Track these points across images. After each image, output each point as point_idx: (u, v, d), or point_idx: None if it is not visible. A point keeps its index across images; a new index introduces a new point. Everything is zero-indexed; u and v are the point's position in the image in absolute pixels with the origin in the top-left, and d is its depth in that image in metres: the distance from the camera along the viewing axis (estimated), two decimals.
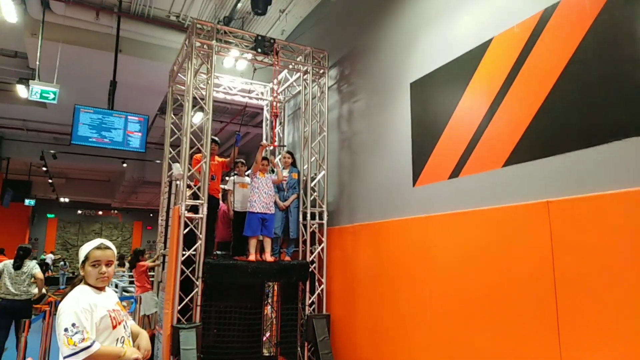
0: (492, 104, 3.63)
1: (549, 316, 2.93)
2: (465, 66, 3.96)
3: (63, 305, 2.26)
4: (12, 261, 6.51)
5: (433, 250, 4.08)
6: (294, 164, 6.03)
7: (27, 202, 18.97)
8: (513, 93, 3.46)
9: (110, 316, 2.37)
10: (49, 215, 26.76)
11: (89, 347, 2.17)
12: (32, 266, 6.54)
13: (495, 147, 3.56)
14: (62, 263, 20.31)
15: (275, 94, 6.21)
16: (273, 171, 5.90)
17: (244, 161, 5.99)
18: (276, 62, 5.81)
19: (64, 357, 2.15)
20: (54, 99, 6.78)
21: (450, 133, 4.06)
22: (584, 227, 2.80)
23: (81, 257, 2.46)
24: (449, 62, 4.15)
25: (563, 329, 2.84)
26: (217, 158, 5.90)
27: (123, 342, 2.42)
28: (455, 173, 3.95)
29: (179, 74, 6.40)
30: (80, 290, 2.37)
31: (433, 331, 3.98)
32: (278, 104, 7.69)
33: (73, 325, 2.18)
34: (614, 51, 2.80)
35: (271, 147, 6.96)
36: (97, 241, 2.50)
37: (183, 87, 6.29)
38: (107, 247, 2.49)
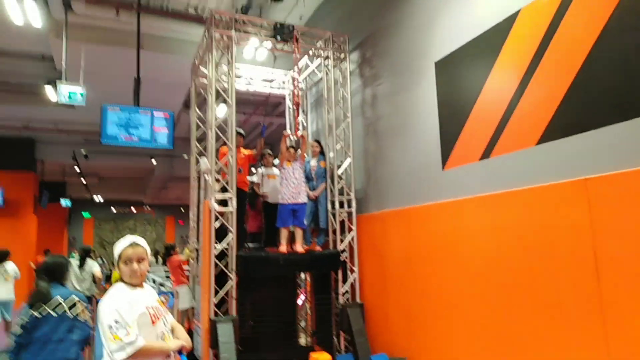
0: (522, 80, 3.47)
1: (592, 299, 2.82)
2: (492, 41, 3.80)
3: (103, 304, 2.32)
4: (77, 261, 7.29)
5: (466, 235, 3.98)
6: (322, 152, 5.97)
7: (63, 202, 19.58)
8: (544, 67, 3.30)
9: (148, 313, 2.41)
10: (84, 215, 27.62)
11: (133, 341, 2.22)
12: (91, 265, 7.33)
13: (528, 125, 3.42)
14: (99, 260, 20.97)
15: (296, 82, 6.13)
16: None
17: (270, 152, 5.97)
18: (296, 49, 5.73)
19: (112, 352, 2.20)
20: (82, 100, 6.90)
21: (479, 112, 3.93)
22: (625, 204, 2.66)
23: (115, 256, 2.50)
24: (475, 38, 4.00)
25: (608, 311, 2.73)
26: (242, 150, 5.90)
27: (162, 338, 2.46)
28: (486, 154, 3.83)
29: (200, 67, 6.42)
30: (118, 288, 2.42)
31: (469, 317, 3.90)
32: (300, 92, 7.63)
33: (116, 321, 2.23)
34: None
35: (296, 137, 6.92)
36: (128, 239, 2.53)
37: (205, 81, 6.31)
38: (138, 245, 2.51)
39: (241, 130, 5.98)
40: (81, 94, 6.88)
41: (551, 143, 3.21)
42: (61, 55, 7.59)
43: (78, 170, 16.70)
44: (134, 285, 2.47)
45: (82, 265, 7.18)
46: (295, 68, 6.01)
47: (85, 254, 7.43)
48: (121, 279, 2.48)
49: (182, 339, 2.58)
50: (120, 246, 2.49)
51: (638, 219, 2.59)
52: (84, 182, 19.37)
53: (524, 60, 3.46)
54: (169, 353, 2.41)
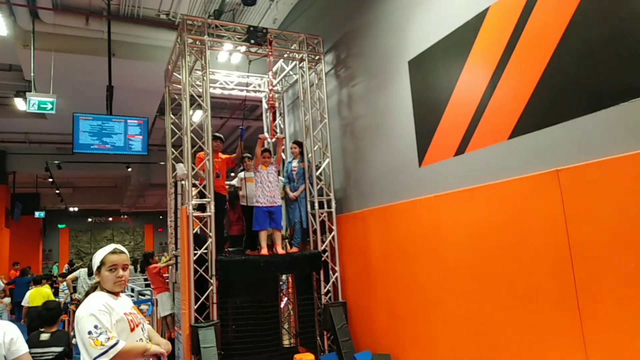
0: (494, 75, 3.55)
1: (567, 286, 2.89)
2: (462, 39, 3.87)
3: (80, 312, 2.28)
4: (86, 270, 7.77)
5: (444, 229, 4.03)
6: (302, 153, 5.98)
7: (37, 214, 19.11)
8: (514, 62, 3.38)
9: (127, 319, 2.38)
10: (59, 226, 26.98)
11: (115, 344, 2.19)
12: None
13: (500, 120, 3.49)
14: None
15: (271, 86, 6.13)
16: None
17: (250, 156, 5.94)
18: (270, 52, 5.73)
19: (94, 358, 2.16)
20: (52, 109, 6.76)
21: (452, 109, 3.99)
22: (597, 193, 2.74)
23: (96, 263, 2.46)
24: (446, 36, 4.07)
25: (582, 297, 2.80)
26: (221, 155, 5.86)
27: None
28: (460, 150, 3.89)
29: (174, 73, 6.35)
30: (95, 295, 2.38)
31: (450, 310, 3.95)
32: (276, 95, 7.62)
33: (95, 327, 2.20)
34: (615, 9, 2.71)
35: (272, 140, 6.90)
36: (111, 246, 2.52)
37: (179, 86, 6.25)
38: (122, 252, 2.51)
39: (219, 135, 5.94)
40: (51, 103, 6.73)
41: (523, 137, 3.28)
42: (30, 65, 7.42)
43: (51, 181, 16.31)
44: (114, 294, 2.44)
45: (91, 273, 7.14)
46: (270, 72, 6.01)
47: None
48: (99, 287, 2.43)
49: (163, 343, 2.56)
50: (103, 252, 2.47)
51: (609, 207, 2.67)
52: (58, 193, 18.91)
53: (495, 56, 3.54)
54: (149, 356, 2.38)
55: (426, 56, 4.33)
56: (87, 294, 2.44)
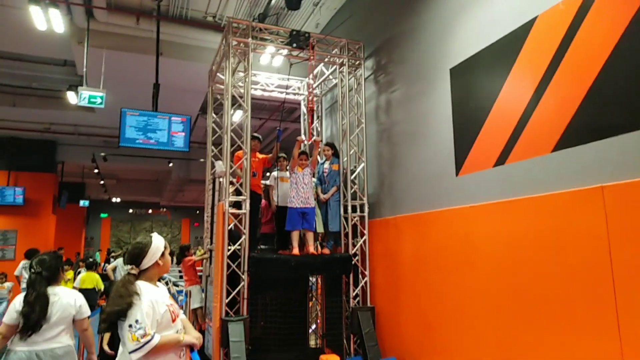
0: (539, 86, 3.47)
1: (608, 309, 2.78)
2: (508, 48, 3.80)
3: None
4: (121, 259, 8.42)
5: (479, 241, 3.96)
6: (335, 155, 6.02)
7: (81, 202, 19.97)
8: (561, 74, 3.29)
9: (169, 310, 2.48)
10: (102, 215, 28.08)
11: (149, 340, 2.29)
12: None
13: (543, 132, 3.40)
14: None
15: (310, 89, 6.19)
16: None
17: (285, 156, 6.04)
18: (312, 57, 5.80)
19: (130, 352, 2.28)
20: (101, 103, 7.08)
21: (494, 119, 3.92)
22: None
23: (160, 247, 2.56)
24: (491, 44, 4.00)
25: (623, 322, 2.69)
26: (258, 155, 5.98)
27: (180, 334, 2.53)
28: (500, 160, 3.82)
29: (217, 74, 6.53)
30: (143, 287, 2.45)
31: (481, 324, 3.88)
32: (314, 98, 7.69)
33: (136, 321, 2.30)
34: None
35: (309, 142, 6.97)
36: (157, 235, 2.64)
37: (222, 87, 6.42)
38: None
39: (257, 135, 6.06)
40: (101, 98, 7.06)
41: (567, 150, 3.19)
42: (82, 60, 7.80)
43: (97, 172, 17.03)
44: (153, 283, 2.54)
45: (126, 262, 8.04)
46: (311, 75, 6.07)
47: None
48: (143, 277, 2.51)
49: (195, 334, 2.64)
50: (161, 238, 2.62)
51: None
52: (103, 184, 19.72)
53: (541, 67, 3.45)
54: (182, 347, 2.47)
55: (469, 64, 4.28)
56: (126, 282, 2.45)
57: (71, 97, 9.04)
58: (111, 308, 2.39)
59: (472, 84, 4.23)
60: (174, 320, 2.49)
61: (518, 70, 3.70)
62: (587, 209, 2.96)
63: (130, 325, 2.29)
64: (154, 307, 2.38)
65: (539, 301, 3.29)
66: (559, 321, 3.13)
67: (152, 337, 2.30)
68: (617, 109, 2.88)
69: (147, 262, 2.52)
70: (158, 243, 2.57)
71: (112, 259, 11.48)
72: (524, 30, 3.64)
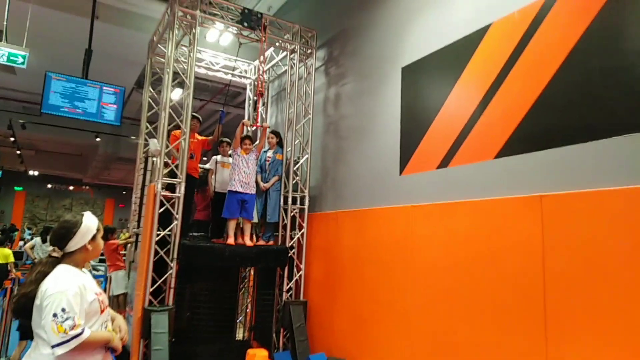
0: (487, 93, 3.52)
1: (536, 311, 2.87)
2: (460, 52, 3.83)
3: (51, 287, 2.05)
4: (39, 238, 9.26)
5: (418, 241, 3.99)
6: (280, 144, 5.83)
7: None
8: (510, 82, 3.36)
9: (98, 300, 2.20)
10: (16, 188, 25.81)
11: (80, 334, 2.00)
12: None
13: (488, 138, 3.46)
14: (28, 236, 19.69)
15: (260, 72, 5.95)
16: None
17: (229, 141, 5.76)
18: (264, 38, 5.56)
19: (53, 346, 1.97)
20: (22, 63, 6.35)
21: (441, 121, 3.95)
22: (577, 224, 2.73)
23: (91, 229, 2.26)
24: (444, 47, 4.02)
25: (550, 325, 2.79)
26: (197, 136, 5.66)
27: (105, 327, 2.27)
28: (444, 163, 3.85)
29: (158, 45, 6.09)
30: (66, 270, 2.16)
31: (413, 321, 3.91)
32: (263, 84, 7.44)
33: (63, 310, 1.99)
34: (618, 43, 2.71)
35: (253, 128, 6.73)
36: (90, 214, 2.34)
37: (163, 60, 6.00)
38: None
39: (197, 115, 5.73)
40: (23, 57, 6.34)
41: (510, 158, 3.26)
42: (3, 13, 6.97)
43: (13, 140, 15.53)
44: (79, 269, 2.25)
45: (45, 241, 9.34)
46: (261, 57, 5.83)
47: (47, 232, 9.72)
48: (66, 261, 2.21)
49: (124, 328, 2.39)
50: (95, 220, 2.32)
51: (588, 238, 2.66)
52: (19, 154, 18.04)
53: (491, 73, 3.51)
54: (108, 345, 2.20)
55: (421, 65, 4.28)
56: (46, 265, 2.17)
57: None
58: (23, 290, 2.09)
59: (422, 84, 4.24)
60: (102, 311, 2.22)
61: (468, 74, 3.74)
62: (525, 217, 3.04)
63: (55, 315, 1.97)
64: (82, 294, 2.09)
65: (473, 301, 3.35)
66: (490, 321, 3.20)
67: (82, 332, 2.01)
68: (562, 120, 2.97)
69: (73, 245, 2.20)
70: (89, 224, 2.26)
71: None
72: (477, 36, 3.68)
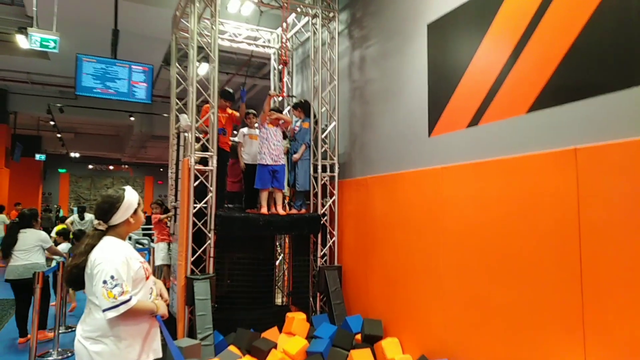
0: (517, 45, 3.38)
1: (573, 268, 2.83)
2: (488, 3, 3.67)
3: (100, 256, 2.20)
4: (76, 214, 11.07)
5: (449, 202, 3.96)
6: (306, 113, 5.83)
7: (37, 157, 19.03)
8: (541, 31, 3.20)
9: (143, 267, 2.34)
10: (60, 170, 27.01)
11: (128, 300, 2.14)
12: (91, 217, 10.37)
13: (519, 92, 3.34)
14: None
15: (284, 40, 5.86)
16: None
17: (255, 112, 5.80)
18: (285, 4, 5.46)
19: (104, 310, 2.12)
20: (54, 47, 6.53)
21: (469, 78, 3.83)
22: (615, 176, 2.64)
23: (133, 204, 2.37)
24: None
25: (586, 281, 2.75)
26: (228, 110, 5.73)
27: (152, 293, 2.41)
28: (474, 121, 3.76)
29: (182, 20, 6.12)
30: (113, 241, 2.29)
31: (446, 282, 3.93)
32: (286, 52, 7.38)
33: (112, 277, 2.13)
34: None
35: (279, 98, 6.74)
36: (131, 189, 2.45)
37: (187, 35, 6.03)
38: None
39: (231, 91, 5.78)
40: (54, 41, 6.51)
41: (542, 111, 3.15)
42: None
43: (53, 124, 16.15)
44: (123, 239, 2.38)
45: (82, 219, 11.20)
46: (284, 25, 5.77)
47: (82, 210, 11.59)
48: (111, 233, 2.34)
49: (165, 295, 2.53)
50: (135, 194, 2.42)
51: (625, 191, 2.58)
52: (60, 137, 18.78)
53: (521, 24, 3.35)
54: (155, 313, 2.34)
55: (447, 20, 4.13)
56: (93, 237, 2.30)
57: (21, 40, 8.31)
58: (74, 261, 2.25)
59: (449, 40, 4.10)
60: (147, 278, 2.36)
61: (497, 27, 3.59)
62: (559, 171, 2.96)
63: (104, 282, 2.12)
64: (128, 262, 2.23)
65: (506, 261, 3.34)
66: (524, 279, 3.18)
67: (130, 298, 2.15)
68: (596, 69, 2.83)
69: (117, 219, 2.32)
70: (131, 198, 2.37)
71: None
72: None
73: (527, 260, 3.16)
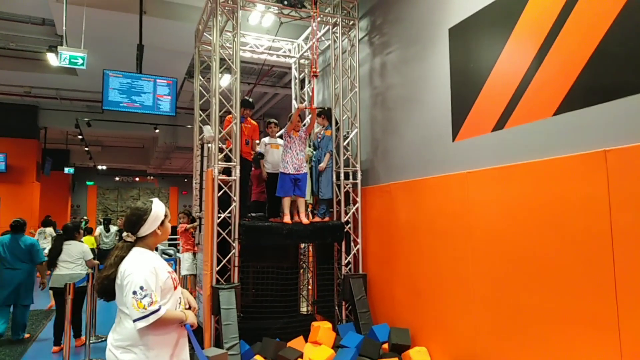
0: (542, 47, 3.31)
1: (606, 276, 2.74)
2: (510, 7, 3.62)
3: (129, 268, 2.24)
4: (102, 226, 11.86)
5: (475, 208, 3.89)
6: (329, 121, 5.84)
7: (66, 170, 19.60)
8: (565, 33, 3.14)
9: (171, 277, 2.38)
10: (88, 183, 27.70)
11: (157, 310, 2.18)
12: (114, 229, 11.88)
13: (545, 94, 3.28)
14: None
15: (314, 50, 5.77)
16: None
17: (276, 122, 5.84)
18: (314, 14, 5.41)
19: (134, 320, 2.16)
20: (82, 64, 6.74)
21: (493, 81, 3.78)
22: None
23: (160, 215, 2.41)
24: (492, 2, 3.81)
25: (621, 289, 2.66)
26: (251, 121, 5.80)
27: (180, 303, 2.44)
28: (499, 125, 3.70)
29: (204, 33, 6.24)
30: (141, 252, 2.34)
31: (474, 289, 3.85)
32: (307, 62, 7.44)
33: (141, 288, 2.17)
34: None
35: (307, 111, 6.77)
36: (159, 201, 2.49)
37: (209, 47, 6.14)
38: None
39: (251, 100, 5.85)
40: (82, 58, 6.72)
41: (570, 114, 3.08)
42: (62, 19, 7.39)
43: (81, 138, 16.61)
44: (152, 250, 2.42)
45: (108, 230, 11.89)
46: (315, 31, 5.72)
47: (107, 222, 12.15)
48: (140, 244, 2.38)
49: (193, 304, 2.56)
50: (163, 206, 2.47)
51: None
52: (87, 150, 19.30)
53: (545, 26, 3.30)
54: (184, 322, 2.37)
55: (469, 24, 4.09)
56: (123, 249, 2.35)
57: (51, 58, 8.58)
58: (105, 273, 2.30)
59: (471, 44, 4.06)
60: (175, 288, 2.40)
61: (520, 30, 3.53)
62: (589, 174, 2.88)
63: (134, 292, 2.16)
64: (157, 273, 2.27)
65: (535, 267, 3.25)
66: (554, 287, 3.09)
67: (159, 308, 2.19)
68: (623, 70, 2.76)
69: (145, 230, 2.37)
70: (158, 210, 2.41)
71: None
72: None
73: (558, 267, 3.07)
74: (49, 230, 11.62)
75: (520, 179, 3.44)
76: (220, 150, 5.08)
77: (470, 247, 3.93)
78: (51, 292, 5.83)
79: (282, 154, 5.40)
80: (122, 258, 2.32)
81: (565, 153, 3.08)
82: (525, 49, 3.46)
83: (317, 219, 5.63)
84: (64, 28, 7.32)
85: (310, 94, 7.37)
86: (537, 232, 3.25)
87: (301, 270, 6.22)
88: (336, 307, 5.63)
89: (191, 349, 2.40)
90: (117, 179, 29.02)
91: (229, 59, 5.28)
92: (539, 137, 3.32)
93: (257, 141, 5.90)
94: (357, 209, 5.70)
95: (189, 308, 2.51)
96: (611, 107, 2.82)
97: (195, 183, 6.62)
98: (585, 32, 2.99)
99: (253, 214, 5.83)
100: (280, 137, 5.81)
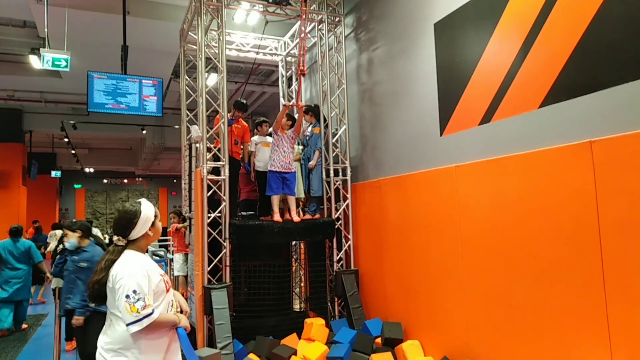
0: (526, 40, 3.34)
1: (594, 266, 2.78)
2: (494, 1, 3.64)
3: (121, 271, 2.21)
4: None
5: (464, 201, 3.92)
6: (317, 118, 5.83)
7: (53, 173, 19.33)
8: (549, 27, 3.17)
9: (163, 280, 2.36)
10: (75, 186, 27.37)
11: (150, 314, 2.16)
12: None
13: (531, 87, 3.31)
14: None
15: (303, 49, 5.72)
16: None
17: (268, 120, 5.82)
18: (303, 13, 5.40)
19: (127, 324, 2.14)
20: (66, 66, 6.63)
21: (479, 76, 3.80)
22: (632, 167, 2.59)
23: (150, 217, 2.37)
24: None
25: (609, 278, 2.70)
26: (242, 122, 5.77)
27: (172, 305, 2.42)
28: (486, 118, 3.73)
29: (189, 33, 6.19)
30: (132, 255, 2.31)
31: (465, 283, 3.89)
32: (293, 59, 7.41)
33: (134, 292, 2.15)
34: None
35: (297, 107, 6.74)
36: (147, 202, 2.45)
37: (195, 47, 6.09)
38: None
39: (244, 101, 5.82)
40: (66, 60, 6.61)
41: (555, 105, 3.11)
42: (43, 20, 7.27)
43: (67, 141, 16.40)
44: (143, 252, 2.40)
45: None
46: (298, 32, 5.74)
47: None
48: (131, 247, 2.35)
49: (185, 307, 2.53)
50: (152, 206, 2.43)
51: None
52: (74, 153, 19.06)
53: (528, 19, 3.32)
54: (177, 326, 2.35)
55: (454, 19, 4.11)
56: (114, 252, 2.31)
57: (34, 60, 8.45)
58: (96, 277, 2.27)
59: (457, 39, 4.08)
60: (167, 290, 2.37)
61: (505, 23, 3.56)
62: (575, 165, 2.92)
63: (127, 296, 2.13)
64: (149, 276, 2.24)
65: (525, 259, 3.29)
66: (544, 278, 3.13)
67: (153, 312, 2.17)
68: (606, 62, 2.79)
69: (136, 233, 2.33)
70: (148, 212, 2.37)
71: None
72: None
73: (547, 259, 3.11)
74: (59, 232, 11.65)
75: (507, 172, 3.47)
76: (209, 149, 5.05)
77: (460, 240, 3.97)
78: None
79: (270, 152, 5.38)
80: (113, 262, 2.28)
81: (551, 145, 3.12)
82: (510, 42, 3.49)
83: (307, 216, 5.63)
84: (45, 30, 7.20)
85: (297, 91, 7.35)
86: (526, 223, 3.29)
87: (293, 268, 6.22)
88: (329, 304, 5.64)
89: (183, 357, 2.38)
90: (105, 181, 28.73)
91: (215, 58, 5.25)
92: (526, 130, 3.35)
93: (248, 143, 5.87)
94: (347, 206, 5.71)
95: (181, 312, 2.49)
96: (595, 98, 2.85)
97: (184, 183, 6.58)
98: (568, 25, 3.02)
99: (243, 213, 5.81)
100: (270, 135, 5.78)
